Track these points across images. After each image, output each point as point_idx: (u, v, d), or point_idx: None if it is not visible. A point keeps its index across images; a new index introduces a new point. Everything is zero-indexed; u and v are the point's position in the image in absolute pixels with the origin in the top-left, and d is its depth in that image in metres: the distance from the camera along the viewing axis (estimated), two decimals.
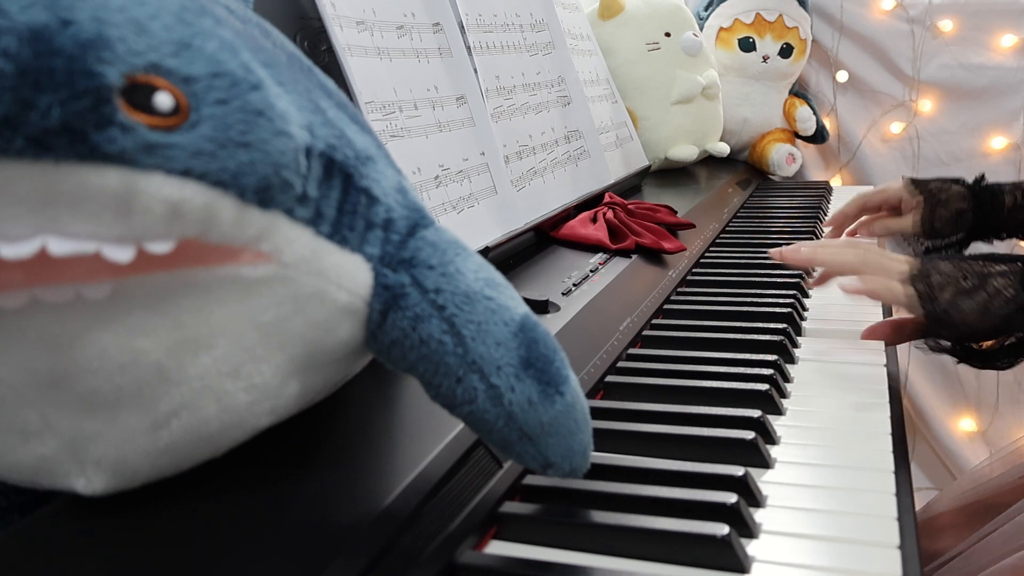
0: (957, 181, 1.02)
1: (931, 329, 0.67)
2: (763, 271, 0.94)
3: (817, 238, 1.14)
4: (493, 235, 0.76)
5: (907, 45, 1.70)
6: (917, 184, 1.02)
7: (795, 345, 0.72)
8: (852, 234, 1.07)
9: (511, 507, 0.44)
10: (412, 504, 0.39)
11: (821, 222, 1.25)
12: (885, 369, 0.66)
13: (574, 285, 0.74)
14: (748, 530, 0.42)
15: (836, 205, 1.44)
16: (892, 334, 0.73)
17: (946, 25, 1.67)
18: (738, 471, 0.46)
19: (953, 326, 0.65)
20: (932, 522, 0.85)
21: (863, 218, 1.08)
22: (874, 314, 0.82)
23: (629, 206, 0.95)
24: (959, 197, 0.99)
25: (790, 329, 0.73)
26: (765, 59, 1.58)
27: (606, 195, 0.98)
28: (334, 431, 0.43)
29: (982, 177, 1.02)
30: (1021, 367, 0.70)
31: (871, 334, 0.72)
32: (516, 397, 0.36)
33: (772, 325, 0.73)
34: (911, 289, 0.66)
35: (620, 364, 0.66)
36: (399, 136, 0.69)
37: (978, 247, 1.06)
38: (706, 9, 1.65)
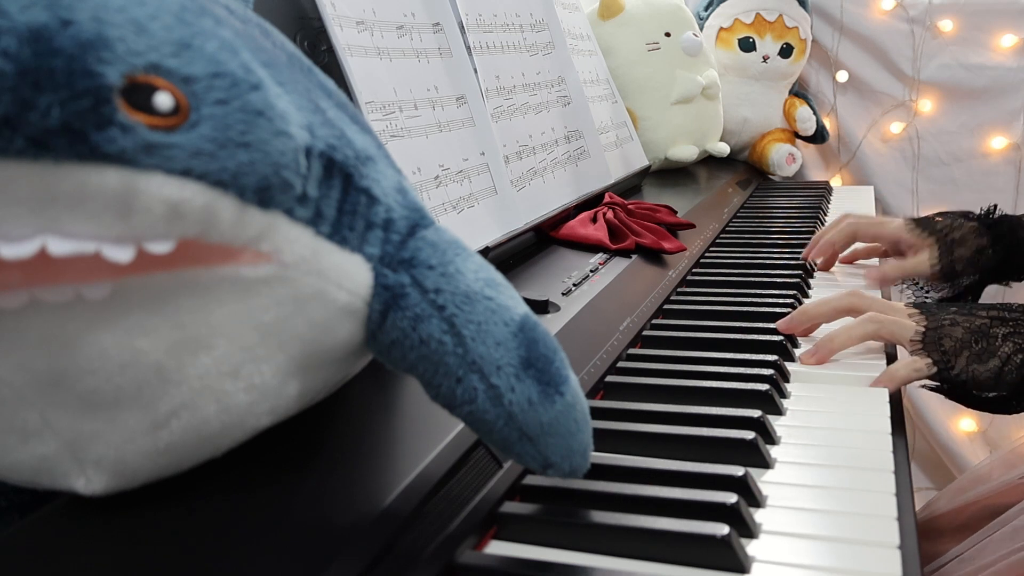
0: (966, 215, 0.91)
1: (947, 391, 0.66)
2: (763, 271, 0.94)
3: None
4: (493, 235, 0.76)
5: (907, 45, 1.70)
6: (922, 224, 0.91)
7: (795, 345, 0.72)
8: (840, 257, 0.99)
9: (511, 507, 0.44)
10: (412, 504, 0.39)
11: (821, 222, 1.25)
12: (885, 368, 0.66)
13: (574, 285, 0.74)
14: (748, 530, 0.42)
15: (836, 205, 1.44)
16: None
17: (946, 25, 1.67)
18: (738, 471, 0.46)
19: (969, 392, 0.65)
20: (932, 523, 0.85)
21: (874, 264, 0.99)
22: None
23: (629, 206, 0.95)
24: (974, 233, 0.88)
25: None
26: (765, 59, 1.58)
27: (606, 195, 0.98)
28: (334, 431, 0.43)
29: (994, 208, 0.92)
30: None
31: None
32: (516, 397, 0.36)
33: (772, 325, 0.73)
34: (928, 359, 0.65)
35: (620, 364, 0.66)
36: (399, 136, 0.69)
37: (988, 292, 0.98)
38: (706, 9, 1.65)
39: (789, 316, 0.73)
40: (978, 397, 0.65)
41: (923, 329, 0.66)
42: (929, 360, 0.64)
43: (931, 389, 0.66)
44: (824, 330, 0.72)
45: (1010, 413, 0.66)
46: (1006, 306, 0.67)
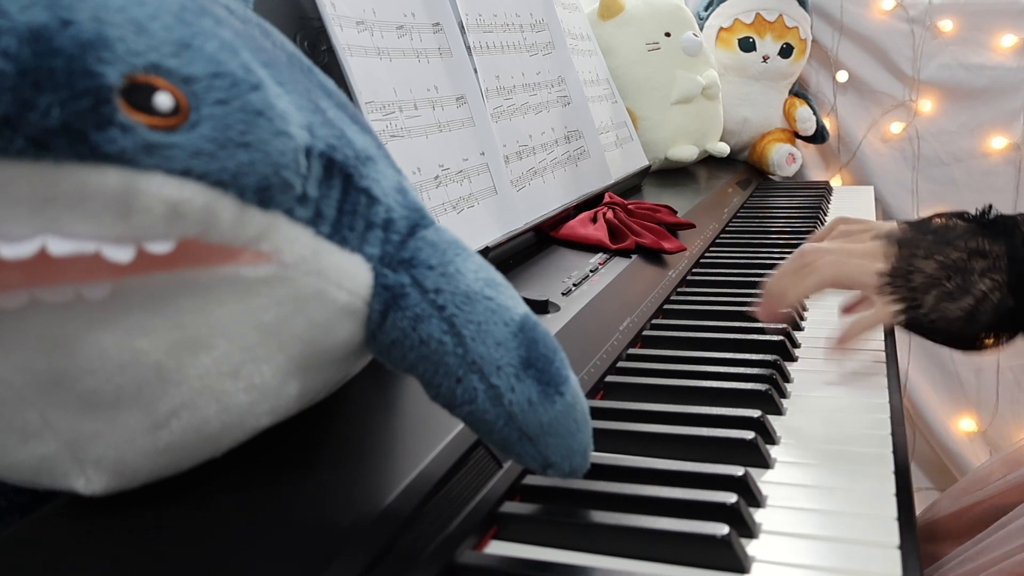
0: (961, 215, 0.85)
1: (914, 330, 0.60)
2: (763, 271, 0.94)
3: None
4: (493, 235, 0.76)
5: (907, 45, 1.70)
6: (915, 227, 0.86)
7: (795, 345, 0.72)
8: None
9: (511, 507, 0.44)
10: (412, 504, 0.39)
11: (821, 223, 1.25)
12: (885, 368, 0.66)
13: (574, 285, 0.74)
14: (748, 530, 0.42)
15: (836, 205, 1.44)
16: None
17: (946, 25, 1.67)
18: (738, 471, 0.46)
19: (937, 332, 0.59)
20: (933, 526, 0.84)
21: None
22: None
23: (629, 206, 0.95)
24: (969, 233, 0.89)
25: (790, 329, 0.73)
26: (765, 59, 1.58)
27: (606, 195, 0.98)
28: (334, 431, 0.43)
29: (989, 208, 0.85)
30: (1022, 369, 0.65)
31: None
32: (516, 397, 0.36)
33: (772, 325, 0.73)
34: (892, 300, 0.59)
35: (620, 364, 0.66)
36: (399, 136, 0.69)
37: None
38: (706, 9, 1.65)
39: (757, 310, 0.67)
40: (945, 333, 0.59)
41: (890, 266, 0.60)
42: (894, 299, 0.58)
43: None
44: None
45: (978, 350, 0.60)
46: (992, 235, 0.62)
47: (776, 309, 0.66)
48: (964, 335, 0.58)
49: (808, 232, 1.13)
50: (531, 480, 0.46)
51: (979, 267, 0.59)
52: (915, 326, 0.59)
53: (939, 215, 0.90)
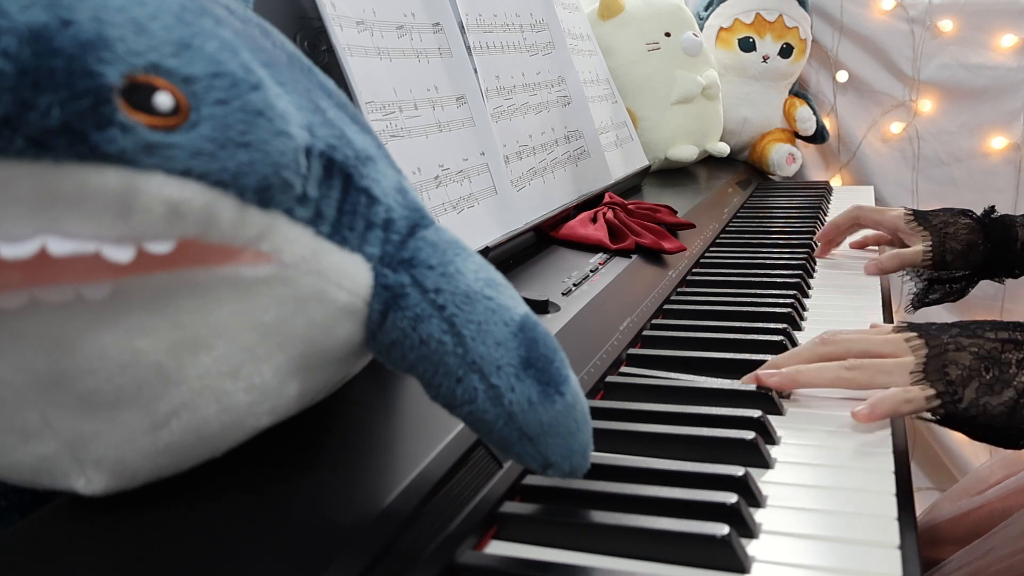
0: (965, 212, 0.95)
1: (947, 422, 0.56)
2: (763, 271, 0.94)
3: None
4: (493, 235, 0.76)
5: (907, 45, 1.70)
6: (920, 217, 0.95)
7: (795, 344, 0.71)
8: (853, 243, 1.06)
9: (511, 507, 0.44)
10: (412, 504, 0.39)
11: (821, 222, 1.25)
12: None
13: (574, 285, 0.74)
14: (748, 530, 0.42)
15: (836, 205, 1.44)
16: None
17: (946, 25, 1.67)
18: (738, 471, 0.46)
19: (978, 427, 0.55)
20: (934, 530, 0.84)
21: (875, 255, 1.01)
22: (875, 309, 0.82)
23: (629, 206, 0.95)
24: (968, 229, 0.93)
25: (790, 329, 0.73)
26: (765, 59, 1.58)
27: (606, 195, 0.98)
28: (334, 431, 0.43)
29: (992, 209, 0.96)
30: None
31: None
32: (516, 397, 0.36)
33: (772, 325, 0.73)
34: (929, 390, 0.55)
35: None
36: (399, 136, 0.69)
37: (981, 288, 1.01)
38: (706, 9, 1.65)
39: (763, 372, 0.61)
40: (984, 429, 0.56)
41: (923, 360, 0.57)
42: (931, 392, 0.55)
43: (927, 420, 0.57)
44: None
45: (1018, 448, 0.57)
46: (1018, 325, 0.58)
47: (775, 384, 0.60)
48: (1006, 431, 0.55)
49: (808, 232, 1.13)
50: (531, 480, 0.46)
51: (1016, 358, 0.56)
52: (953, 421, 0.56)
53: (943, 209, 0.95)
